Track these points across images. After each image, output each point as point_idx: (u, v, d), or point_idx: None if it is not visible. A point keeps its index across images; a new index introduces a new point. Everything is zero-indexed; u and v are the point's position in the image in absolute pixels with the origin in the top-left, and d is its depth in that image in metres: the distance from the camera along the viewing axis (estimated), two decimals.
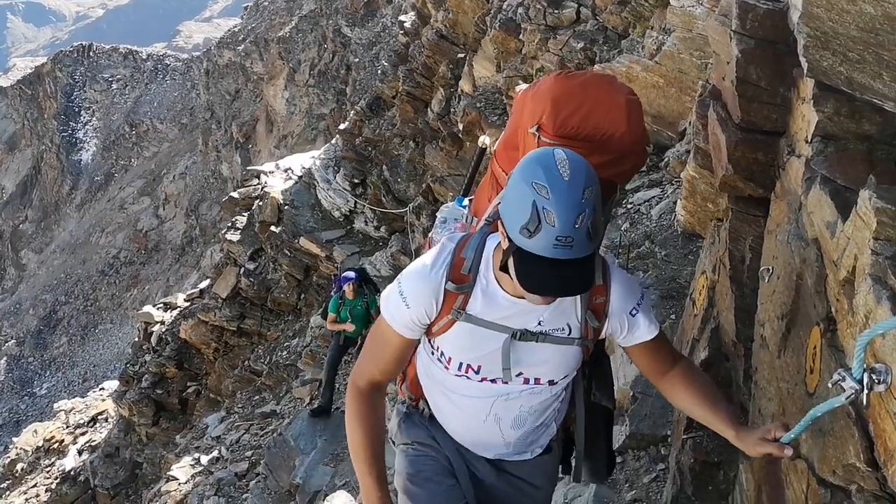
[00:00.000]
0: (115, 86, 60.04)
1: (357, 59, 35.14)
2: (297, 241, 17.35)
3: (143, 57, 62.73)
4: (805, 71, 2.32)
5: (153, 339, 18.73)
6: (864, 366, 1.58)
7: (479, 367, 2.43)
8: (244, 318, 17.55)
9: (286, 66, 42.46)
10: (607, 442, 2.84)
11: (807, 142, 2.71)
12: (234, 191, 21.26)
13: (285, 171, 19.95)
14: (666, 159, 7.66)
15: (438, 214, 2.95)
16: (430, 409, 2.66)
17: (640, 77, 8.44)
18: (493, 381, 2.44)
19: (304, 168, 19.52)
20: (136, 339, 20.39)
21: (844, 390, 1.60)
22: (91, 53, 61.85)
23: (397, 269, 12.19)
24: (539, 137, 2.40)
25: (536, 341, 2.38)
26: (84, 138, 58.75)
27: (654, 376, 2.56)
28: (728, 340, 3.47)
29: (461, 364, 2.43)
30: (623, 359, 4.54)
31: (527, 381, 2.46)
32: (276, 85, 43.12)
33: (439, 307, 2.35)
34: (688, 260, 5.21)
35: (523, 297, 2.24)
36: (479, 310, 2.35)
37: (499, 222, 2.18)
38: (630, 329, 2.44)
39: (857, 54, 2.05)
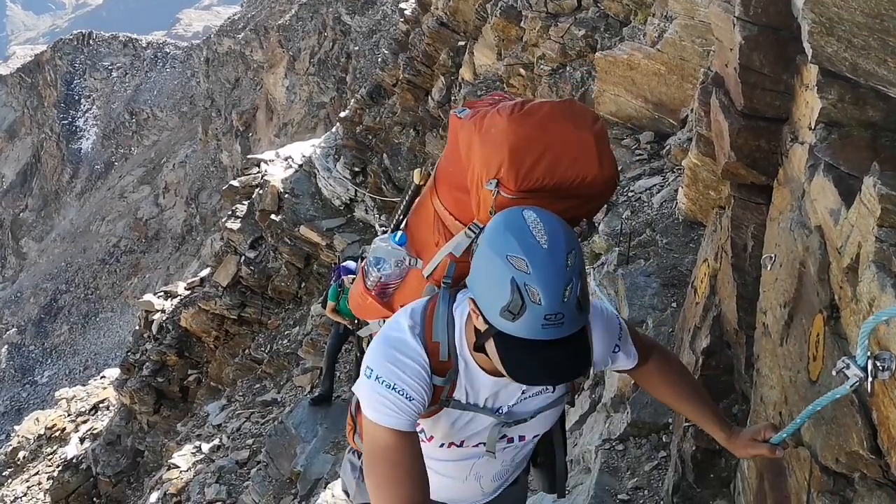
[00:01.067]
0: (114, 74, 59.95)
1: (357, 48, 35.06)
2: (297, 229, 17.33)
3: (143, 45, 62.62)
4: (809, 57, 2.30)
5: (154, 328, 18.76)
6: (869, 353, 1.57)
7: (463, 442, 2.25)
8: (245, 306, 17.56)
9: (286, 54, 42.36)
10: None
11: (810, 129, 2.69)
12: (235, 179, 21.23)
13: (285, 159, 19.92)
14: (667, 147, 7.64)
15: (371, 251, 2.55)
16: None
17: (641, 64, 8.40)
18: (475, 445, 2.27)
19: (304, 156, 19.50)
20: (137, 328, 20.42)
21: (848, 378, 1.59)
22: (91, 41, 61.72)
23: None
24: (498, 193, 2.03)
25: (526, 421, 2.23)
26: (84, 127, 58.70)
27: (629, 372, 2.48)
28: (730, 328, 3.47)
29: (443, 443, 2.25)
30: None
31: (511, 441, 2.30)
32: (276, 73, 43.03)
33: (429, 399, 2.07)
34: (689, 248, 5.20)
35: (503, 376, 1.96)
36: (465, 396, 2.13)
37: (469, 300, 1.93)
38: (611, 363, 2.37)
39: (861, 40, 2.03)
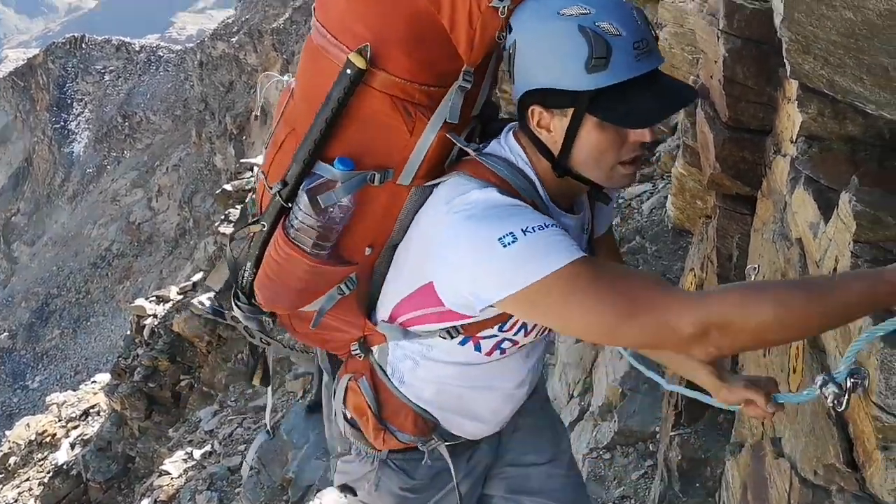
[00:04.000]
0: (107, 77, 59.85)
1: None
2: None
3: (136, 48, 62.55)
4: (788, 73, 2.33)
5: (146, 333, 18.73)
6: (850, 368, 1.60)
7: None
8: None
9: (280, 57, 42.38)
10: None
11: (792, 141, 2.73)
12: (228, 183, 21.25)
13: None
14: (657, 154, 7.68)
15: (320, 200, 1.79)
16: (443, 441, 2.10)
17: None
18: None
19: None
20: (129, 332, 20.41)
21: (826, 397, 1.61)
22: (83, 45, 61.62)
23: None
24: (507, 8, 1.65)
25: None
26: (76, 130, 58.61)
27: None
28: None
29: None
30: (612, 354, 4.57)
31: None
32: (270, 77, 43.03)
33: None
34: (678, 255, 5.23)
35: (574, 208, 1.81)
36: None
37: (533, 110, 1.66)
38: (613, 201, 2.06)
39: (837, 58, 2.06)
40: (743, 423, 2.99)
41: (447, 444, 2.10)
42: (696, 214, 4.71)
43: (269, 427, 2.84)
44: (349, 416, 2.13)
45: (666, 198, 5.98)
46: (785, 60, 2.41)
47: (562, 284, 1.55)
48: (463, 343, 1.86)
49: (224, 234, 18.60)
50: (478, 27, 1.67)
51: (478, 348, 1.87)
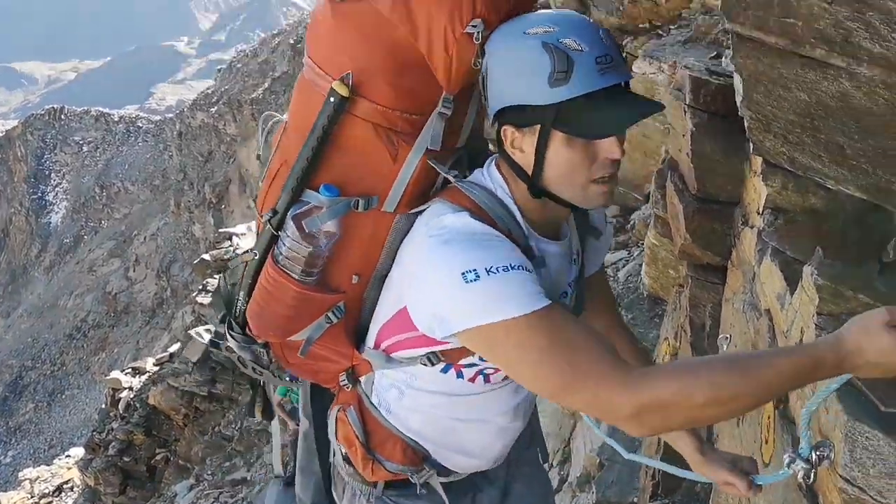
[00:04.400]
0: (86, 148, 60.04)
1: None
2: None
3: (115, 119, 62.96)
4: (751, 150, 2.41)
5: (121, 406, 18.42)
6: (811, 443, 1.62)
7: None
8: (215, 382, 17.32)
9: (260, 126, 42.74)
10: None
11: (758, 213, 2.79)
12: (206, 253, 21.19)
13: (258, 233, 19.94)
14: (632, 222, 7.79)
15: (305, 225, 1.84)
16: (434, 470, 2.05)
17: None
18: None
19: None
20: (103, 406, 20.06)
21: (798, 473, 1.63)
22: (62, 116, 61.96)
23: None
24: (481, 35, 1.68)
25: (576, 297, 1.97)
26: (54, 201, 58.50)
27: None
28: None
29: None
30: (589, 424, 4.55)
31: None
32: (250, 146, 43.31)
33: None
34: (654, 323, 5.27)
35: (557, 236, 1.81)
36: (548, 285, 1.72)
37: (504, 131, 1.69)
38: (604, 239, 2.12)
39: (796, 137, 2.14)
40: (720, 493, 2.99)
41: (444, 479, 2.07)
42: (670, 283, 4.77)
43: (279, 470, 2.78)
44: (343, 451, 2.11)
45: (641, 265, 6.05)
46: (747, 137, 2.50)
47: (516, 335, 1.57)
48: (445, 371, 1.86)
49: (202, 304, 18.48)
50: (454, 53, 1.71)
51: (460, 376, 1.85)
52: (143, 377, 19.15)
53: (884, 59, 1.69)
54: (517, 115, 1.66)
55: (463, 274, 1.58)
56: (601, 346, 1.57)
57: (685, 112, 3.46)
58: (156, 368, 19.22)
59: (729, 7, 2.02)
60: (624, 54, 1.69)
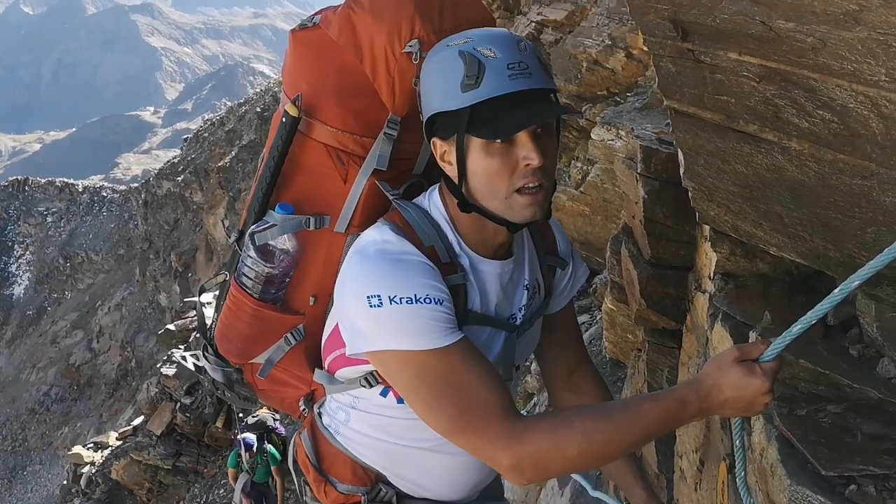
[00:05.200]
0: (50, 219, 59.50)
1: None
2: None
3: (80, 189, 62.55)
4: (697, 218, 2.48)
5: (83, 482, 17.98)
6: None
7: None
8: (180, 455, 16.99)
9: (226, 195, 42.71)
10: None
11: (710, 278, 2.85)
12: (171, 323, 20.96)
13: None
14: (594, 285, 7.86)
15: (247, 248, 1.93)
16: (394, 491, 2.02)
17: (566, 205, 8.74)
18: None
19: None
20: (66, 482, 19.53)
21: None
22: (26, 188, 61.50)
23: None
24: (419, 55, 1.76)
25: (531, 325, 1.96)
26: (17, 273, 57.66)
27: (558, 377, 2.14)
28: (651, 472, 3.53)
29: None
30: (553, 491, 4.53)
31: (516, 369, 1.97)
32: (216, 214, 43.22)
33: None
34: (616, 387, 5.29)
35: (499, 255, 1.79)
36: (479, 303, 1.78)
37: (434, 142, 1.72)
38: (573, 274, 2.09)
39: (737, 206, 2.21)
40: None
41: (408, 499, 2.03)
42: (629, 348, 4.82)
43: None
44: (304, 478, 2.12)
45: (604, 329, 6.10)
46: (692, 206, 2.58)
47: (411, 368, 1.62)
48: (384, 394, 1.87)
49: (167, 375, 18.20)
50: (395, 74, 1.78)
51: (401, 401, 1.83)
52: (106, 451, 18.74)
53: (811, 133, 1.77)
54: (440, 125, 1.68)
55: (368, 297, 1.61)
56: (495, 395, 1.59)
57: (637, 180, 3.55)
58: (119, 442, 18.82)
59: (665, 85, 2.10)
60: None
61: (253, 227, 1.92)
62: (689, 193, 2.38)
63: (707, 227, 2.85)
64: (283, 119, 1.85)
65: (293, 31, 1.93)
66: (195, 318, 15.01)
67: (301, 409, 2.13)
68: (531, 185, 1.65)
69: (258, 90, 56.18)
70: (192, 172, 47.65)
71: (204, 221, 44.70)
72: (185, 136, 57.37)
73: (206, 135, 51.20)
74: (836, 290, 1.41)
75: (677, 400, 1.55)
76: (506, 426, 1.56)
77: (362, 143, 1.85)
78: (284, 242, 1.89)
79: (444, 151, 1.70)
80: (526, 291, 1.91)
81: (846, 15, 1.50)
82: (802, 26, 1.60)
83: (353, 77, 1.81)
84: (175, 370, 18.10)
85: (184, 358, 2.53)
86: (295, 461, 2.17)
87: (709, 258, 2.89)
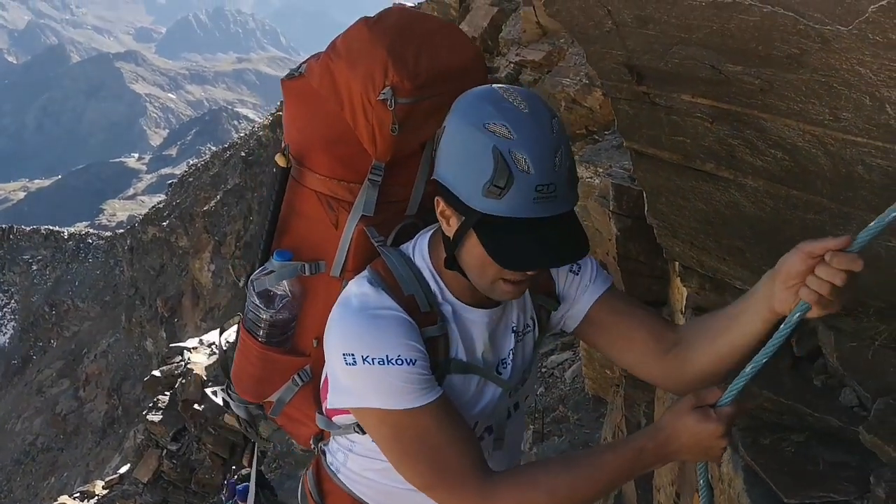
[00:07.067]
0: (35, 267, 59.17)
1: None
2: (221, 418, 16.89)
3: (65, 237, 62.31)
4: (664, 254, 2.54)
5: None
6: None
7: (475, 425, 1.85)
8: (167, 502, 16.77)
9: (212, 239, 42.65)
10: None
11: (681, 313, 2.91)
12: (157, 369, 20.79)
13: (209, 345, 19.66)
14: None
15: (251, 295, 2.01)
16: None
17: None
18: (483, 431, 1.89)
19: (227, 342, 19.28)
20: None
21: None
22: (11, 236, 61.25)
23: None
24: (394, 101, 1.75)
25: (528, 376, 1.94)
26: (2, 321, 57.17)
27: (655, 364, 1.83)
28: None
29: None
30: None
31: (515, 408, 1.96)
32: (202, 258, 43.10)
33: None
34: (598, 423, 5.32)
35: (486, 303, 1.76)
36: (462, 352, 1.79)
37: (438, 200, 1.67)
38: (580, 285, 1.93)
39: (701, 242, 2.27)
40: None
41: None
42: (608, 383, 4.85)
43: None
44: None
45: None
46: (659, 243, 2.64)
47: (385, 426, 1.67)
48: None
49: (153, 422, 18.01)
50: (374, 121, 1.79)
51: None
52: (93, 501, 18.44)
53: (765, 171, 1.84)
54: (450, 195, 1.64)
55: (343, 355, 1.65)
56: (467, 455, 1.63)
57: (610, 218, 3.62)
58: (105, 491, 18.54)
59: (624, 127, 2.17)
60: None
61: (254, 273, 1.98)
62: (655, 230, 2.44)
63: (677, 263, 2.91)
64: (274, 169, 1.91)
65: (283, 80, 1.98)
66: (181, 363, 15.01)
67: (312, 446, 2.16)
68: (519, 279, 1.68)
69: (242, 134, 56.40)
70: (178, 217, 47.56)
71: (189, 266, 44.52)
72: (170, 182, 57.49)
73: (190, 179, 51.28)
74: (781, 327, 1.46)
75: (635, 449, 1.59)
76: (476, 485, 1.60)
77: (350, 189, 1.89)
78: (284, 288, 1.94)
79: (445, 211, 1.68)
80: (513, 335, 1.90)
81: (789, 58, 1.57)
82: (750, 69, 1.67)
83: (337, 125, 1.85)
84: (161, 416, 17.93)
85: (214, 393, 2.62)
86: (303, 496, 2.19)
87: (680, 293, 2.94)
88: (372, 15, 1.87)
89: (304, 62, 1.99)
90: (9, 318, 57.51)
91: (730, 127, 1.82)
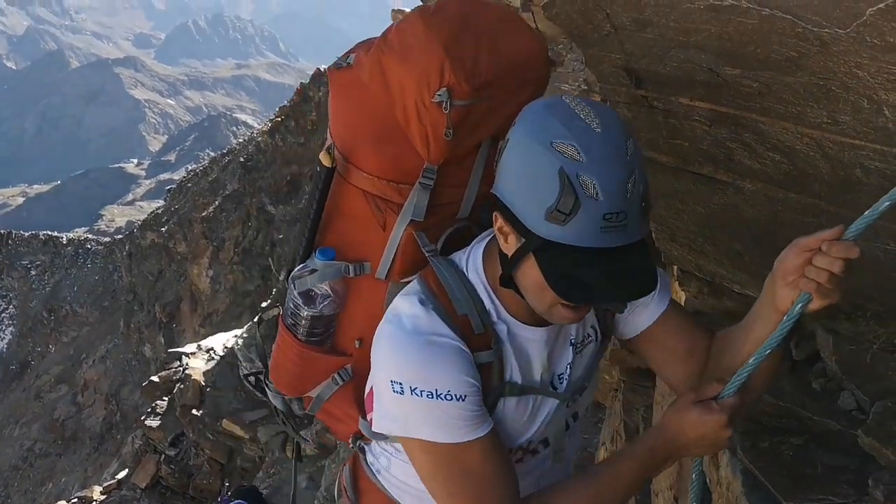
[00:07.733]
0: (33, 272, 59.15)
1: (281, 236, 35.59)
2: (219, 423, 16.89)
3: (64, 242, 62.28)
4: (662, 258, 2.54)
5: None
6: None
7: (530, 445, 1.81)
8: None
9: (210, 244, 42.63)
10: None
11: None
12: (155, 375, 20.78)
13: (207, 351, 19.66)
14: None
15: (290, 296, 1.97)
16: None
17: None
18: (538, 444, 1.83)
19: (226, 348, 19.31)
20: None
21: None
22: (10, 241, 61.22)
23: (322, 447, 11.93)
24: (450, 104, 1.64)
25: (585, 388, 1.86)
26: (0, 327, 57.13)
27: (697, 375, 1.79)
28: None
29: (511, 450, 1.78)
30: None
31: (573, 420, 1.90)
32: (201, 264, 43.08)
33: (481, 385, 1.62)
34: (597, 428, 5.30)
35: (544, 321, 1.66)
36: (518, 374, 1.70)
37: (495, 216, 1.57)
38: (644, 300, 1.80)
39: (699, 245, 2.27)
40: None
41: None
42: (606, 388, 4.85)
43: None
44: None
45: None
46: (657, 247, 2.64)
47: (430, 456, 1.61)
48: None
49: (151, 427, 18.00)
50: (427, 123, 1.68)
51: None
52: None
53: (763, 174, 1.84)
54: (510, 213, 1.53)
55: (391, 382, 1.58)
56: (507, 491, 1.59)
57: None
58: (103, 497, 18.50)
59: None
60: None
61: (295, 270, 1.92)
62: (653, 234, 2.44)
63: (676, 267, 2.91)
64: (318, 168, 1.82)
65: (330, 69, 1.90)
66: (179, 369, 15.04)
67: (351, 445, 2.12)
68: (579, 305, 1.59)
69: (241, 140, 56.49)
70: (176, 223, 47.56)
71: (188, 272, 44.50)
72: (169, 187, 57.49)
73: (189, 185, 51.33)
74: (784, 319, 1.46)
75: (645, 450, 1.59)
76: None
77: (400, 190, 1.80)
78: (326, 287, 1.87)
79: (503, 227, 1.57)
80: (572, 348, 1.81)
81: (787, 61, 1.57)
82: (748, 72, 1.68)
83: (387, 123, 1.75)
84: (159, 422, 17.92)
85: (247, 378, 2.56)
86: (338, 491, 2.18)
87: (679, 296, 2.94)
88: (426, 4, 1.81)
89: (351, 51, 1.89)
90: (7, 323, 57.45)
91: (728, 130, 1.82)
